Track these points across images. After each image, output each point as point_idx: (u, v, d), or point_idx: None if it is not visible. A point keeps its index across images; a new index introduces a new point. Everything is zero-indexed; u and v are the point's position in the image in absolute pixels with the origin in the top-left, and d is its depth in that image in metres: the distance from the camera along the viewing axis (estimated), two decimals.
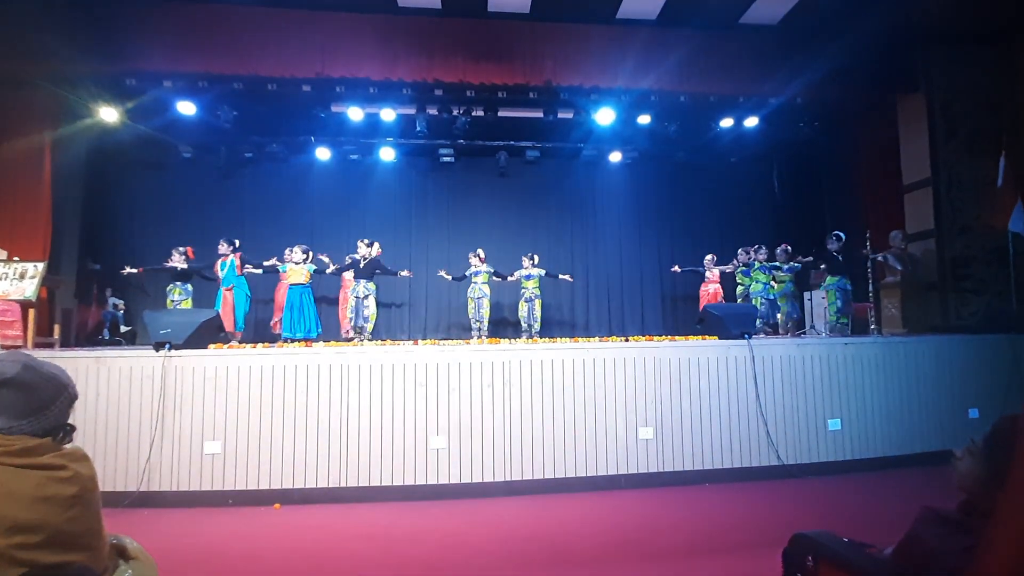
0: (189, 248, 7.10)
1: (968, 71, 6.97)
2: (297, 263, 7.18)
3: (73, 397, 1.28)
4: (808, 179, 9.88)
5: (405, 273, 7.51)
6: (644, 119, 8.10)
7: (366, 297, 7.07)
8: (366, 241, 7.26)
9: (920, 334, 5.79)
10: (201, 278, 7.38)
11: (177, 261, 6.88)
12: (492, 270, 7.99)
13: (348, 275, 7.58)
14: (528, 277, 8.02)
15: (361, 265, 7.08)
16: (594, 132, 8.57)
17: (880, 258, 6.97)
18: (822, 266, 6.98)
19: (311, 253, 7.42)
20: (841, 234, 6.74)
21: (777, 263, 7.58)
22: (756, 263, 7.62)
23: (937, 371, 4.88)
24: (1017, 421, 1.13)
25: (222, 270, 7.31)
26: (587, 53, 6.82)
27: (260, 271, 7.44)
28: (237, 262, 7.31)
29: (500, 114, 8.05)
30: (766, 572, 1.72)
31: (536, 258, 8.21)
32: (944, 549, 1.19)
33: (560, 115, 8.08)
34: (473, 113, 8.00)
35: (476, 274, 7.88)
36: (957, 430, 4.74)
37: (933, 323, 6.65)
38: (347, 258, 7.83)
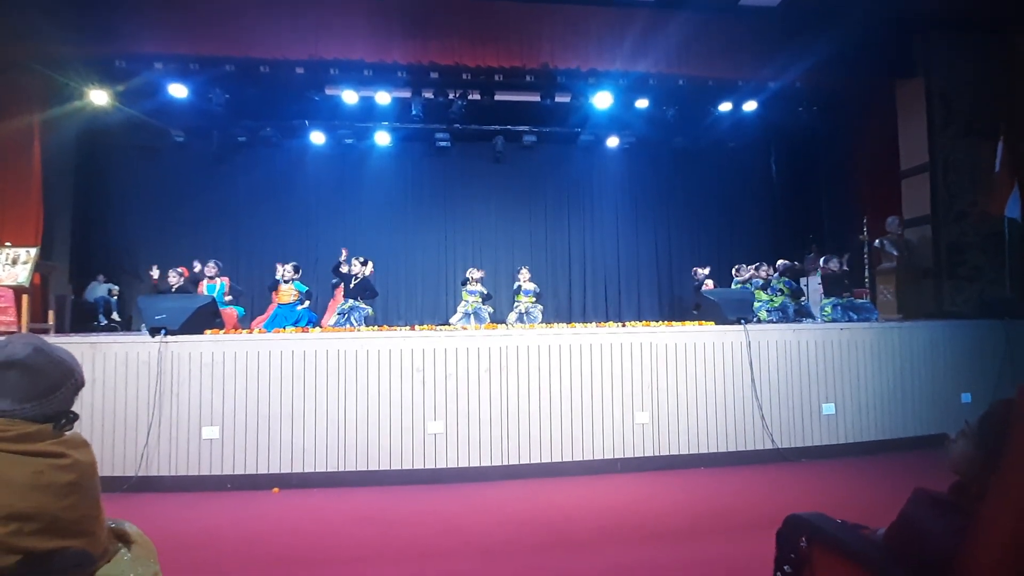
0: (184, 268, 6.54)
1: (967, 57, 6.93)
2: (287, 282, 6.68)
3: (80, 384, 1.27)
4: (806, 164, 9.86)
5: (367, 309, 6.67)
6: (642, 103, 8.03)
7: (352, 313, 6.41)
8: (360, 259, 6.68)
9: (915, 319, 5.82)
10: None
11: (174, 280, 6.30)
12: (485, 291, 7.52)
13: (339, 290, 7.04)
14: (527, 293, 7.57)
15: (352, 284, 6.57)
16: (592, 116, 8.49)
17: (876, 243, 6.97)
18: (803, 299, 6.68)
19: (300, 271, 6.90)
20: (834, 257, 6.26)
21: (780, 282, 6.68)
22: (761, 280, 6.83)
23: (931, 356, 4.92)
24: (1011, 405, 1.14)
25: (209, 293, 6.74)
26: (585, 35, 6.72)
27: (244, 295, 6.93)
28: (227, 286, 6.81)
29: (497, 98, 7.97)
30: (760, 553, 1.74)
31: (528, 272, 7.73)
32: (936, 530, 1.21)
33: (557, 99, 8.01)
34: (469, 97, 7.92)
35: (471, 293, 7.43)
36: (950, 414, 4.80)
37: (928, 309, 6.67)
38: (339, 267, 7.02)
